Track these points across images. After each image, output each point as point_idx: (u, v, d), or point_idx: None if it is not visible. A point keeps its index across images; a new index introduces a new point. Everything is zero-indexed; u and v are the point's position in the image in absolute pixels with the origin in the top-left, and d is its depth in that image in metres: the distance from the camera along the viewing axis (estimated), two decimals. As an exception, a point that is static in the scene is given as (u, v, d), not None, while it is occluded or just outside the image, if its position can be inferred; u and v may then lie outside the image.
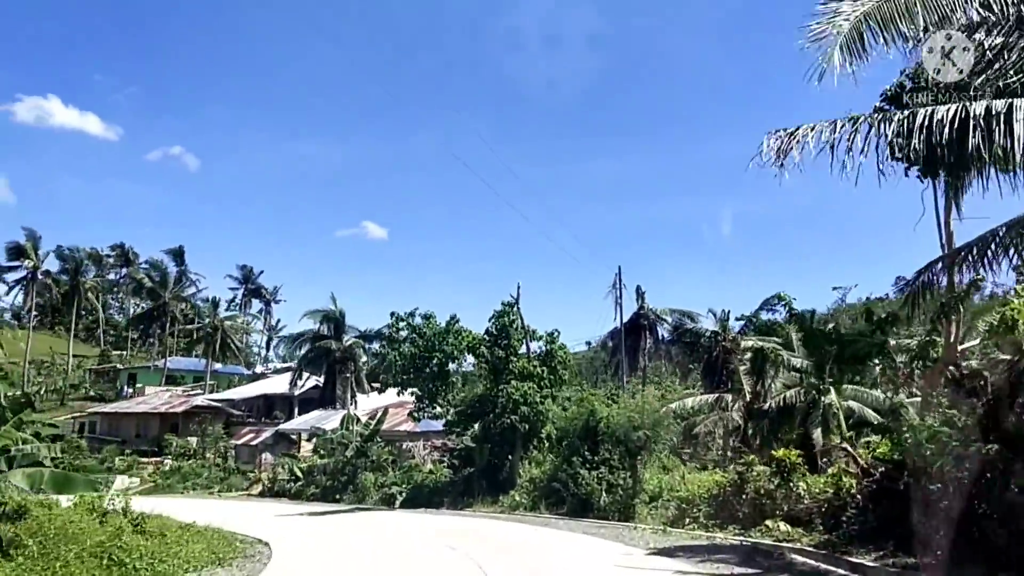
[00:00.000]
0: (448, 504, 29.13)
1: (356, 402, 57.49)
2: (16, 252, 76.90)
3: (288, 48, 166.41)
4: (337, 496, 35.56)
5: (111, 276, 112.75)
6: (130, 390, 75.50)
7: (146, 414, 61.61)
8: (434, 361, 29.15)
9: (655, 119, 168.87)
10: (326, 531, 20.96)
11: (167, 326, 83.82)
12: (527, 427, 28.00)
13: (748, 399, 47.42)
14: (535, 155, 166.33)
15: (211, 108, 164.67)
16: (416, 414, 29.91)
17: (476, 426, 30.28)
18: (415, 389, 29.68)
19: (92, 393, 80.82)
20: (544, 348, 30.71)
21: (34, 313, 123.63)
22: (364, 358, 61.62)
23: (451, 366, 29.90)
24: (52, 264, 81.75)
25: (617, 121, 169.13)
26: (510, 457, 29.12)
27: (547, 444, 29.50)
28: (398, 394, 32.17)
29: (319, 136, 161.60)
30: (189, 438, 58.80)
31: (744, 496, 17.03)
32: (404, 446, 38.74)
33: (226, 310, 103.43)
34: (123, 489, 53.54)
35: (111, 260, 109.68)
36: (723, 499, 17.73)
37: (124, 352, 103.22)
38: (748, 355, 48.03)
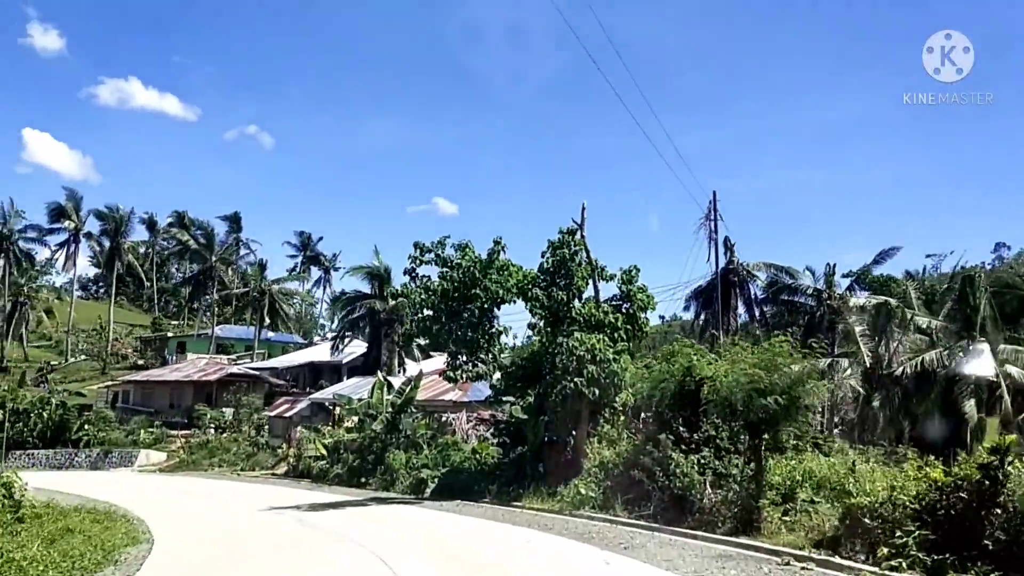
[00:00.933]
0: (492, 495, 21.87)
1: (404, 369, 50.87)
2: (57, 214, 72.62)
3: (360, 29, 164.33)
4: (363, 479, 28.82)
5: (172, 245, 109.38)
6: (175, 359, 70.81)
7: (179, 382, 56.29)
8: (474, 304, 21.70)
9: (721, 91, 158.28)
10: (268, 550, 13.81)
11: (214, 291, 78.98)
12: (596, 393, 20.44)
13: (868, 364, 38.59)
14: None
15: (286, 88, 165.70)
16: (451, 374, 22.37)
17: (530, 393, 23.08)
18: (447, 343, 22.20)
19: (140, 363, 76.85)
20: (619, 290, 23.02)
21: (99, 284, 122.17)
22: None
23: (497, 312, 22.36)
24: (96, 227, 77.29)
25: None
26: (574, 434, 21.66)
27: (623, 416, 21.99)
28: (419, 348, 24.81)
29: (390, 117, 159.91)
30: (224, 409, 53.33)
31: (997, 512, 9.17)
32: (446, 418, 31.68)
33: (287, 280, 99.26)
34: (146, 465, 48.38)
35: (172, 229, 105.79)
36: (947, 512, 9.85)
37: (179, 322, 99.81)
38: (855, 317, 39.51)
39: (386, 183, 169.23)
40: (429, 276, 21.95)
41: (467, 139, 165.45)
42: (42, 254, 79.33)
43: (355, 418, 32.07)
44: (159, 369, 63.06)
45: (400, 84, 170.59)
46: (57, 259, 76.01)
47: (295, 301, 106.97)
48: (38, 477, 40.99)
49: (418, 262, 21.89)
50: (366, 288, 55.15)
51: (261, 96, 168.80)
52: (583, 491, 18.82)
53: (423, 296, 21.43)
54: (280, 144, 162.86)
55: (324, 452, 32.95)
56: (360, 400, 32.14)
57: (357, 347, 58.54)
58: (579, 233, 22.75)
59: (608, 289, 23.35)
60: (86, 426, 50.87)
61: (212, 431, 50.04)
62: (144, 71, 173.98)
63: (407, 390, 30.57)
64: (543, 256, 22.68)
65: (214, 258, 76.56)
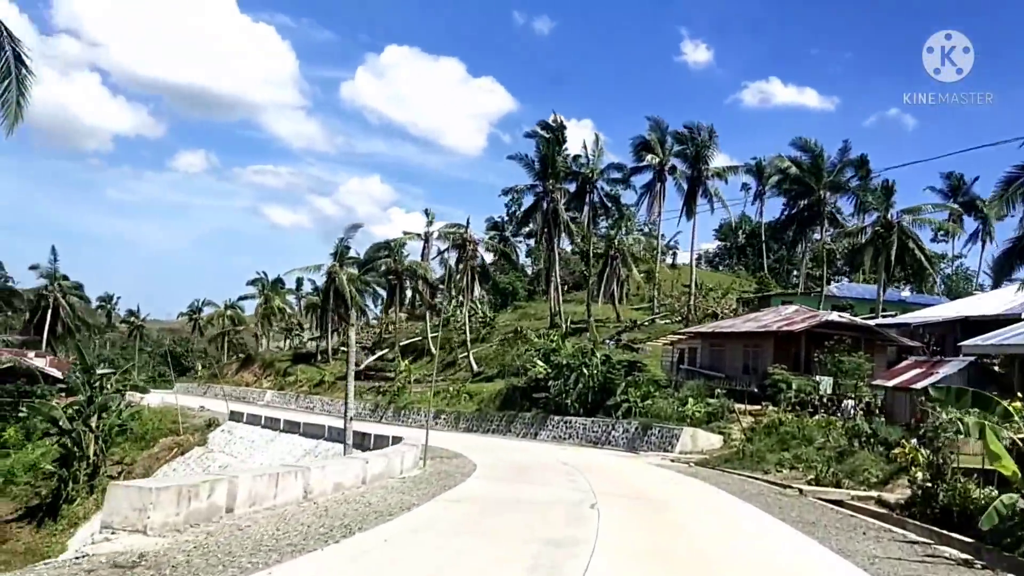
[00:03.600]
0: None
1: None
2: (641, 147, 61.74)
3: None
4: None
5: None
6: (769, 317, 53.57)
7: (752, 335, 38.65)
8: None
9: None
10: None
11: (822, 230, 59.76)
12: None
13: None
14: None
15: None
16: None
17: None
18: None
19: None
20: None
21: (720, 258, 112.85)
22: None
23: None
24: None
25: None
26: None
27: None
28: None
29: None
30: (818, 377, 34.24)
31: None
32: None
33: (932, 240, 75.22)
34: (690, 452, 32.16)
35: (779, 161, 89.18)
36: None
37: (795, 291, 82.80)
38: None
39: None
40: None
41: None
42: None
43: None
44: (731, 319, 46.76)
45: None
46: (642, 205, 65.42)
47: (943, 266, 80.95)
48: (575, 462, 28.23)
49: None
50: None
51: (901, 78, 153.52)
52: None
53: None
54: (922, 126, 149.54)
55: (1009, 465, 11.67)
56: None
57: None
58: None
59: None
60: (629, 389, 37.42)
61: (793, 408, 31.53)
62: (783, 69, 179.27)
63: None
64: None
65: (821, 187, 57.15)
